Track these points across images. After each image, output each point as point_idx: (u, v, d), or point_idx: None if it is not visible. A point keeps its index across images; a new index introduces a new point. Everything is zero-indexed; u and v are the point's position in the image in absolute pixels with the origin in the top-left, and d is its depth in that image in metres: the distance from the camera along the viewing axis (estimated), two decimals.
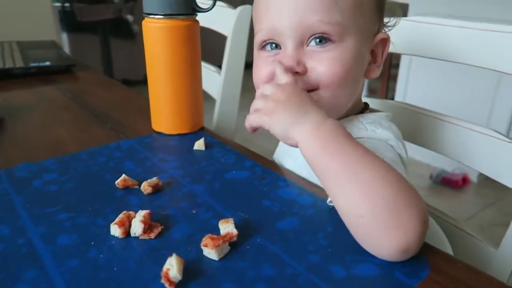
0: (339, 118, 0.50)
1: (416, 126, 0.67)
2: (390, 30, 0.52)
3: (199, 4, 0.58)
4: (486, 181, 1.93)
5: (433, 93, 1.99)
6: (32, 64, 0.97)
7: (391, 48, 0.64)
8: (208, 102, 0.96)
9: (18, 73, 0.95)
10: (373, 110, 0.53)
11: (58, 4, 2.63)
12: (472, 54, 0.59)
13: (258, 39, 0.48)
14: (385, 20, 0.52)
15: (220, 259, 0.34)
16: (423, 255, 0.35)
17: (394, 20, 0.53)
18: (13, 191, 0.45)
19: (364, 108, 0.53)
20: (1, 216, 0.41)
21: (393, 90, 2.27)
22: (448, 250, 0.57)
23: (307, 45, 0.45)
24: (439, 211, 0.65)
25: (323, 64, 0.44)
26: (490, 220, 1.71)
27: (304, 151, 0.39)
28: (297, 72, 0.44)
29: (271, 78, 0.46)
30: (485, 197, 1.86)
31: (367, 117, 0.50)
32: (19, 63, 0.98)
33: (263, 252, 0.35)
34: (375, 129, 0.47)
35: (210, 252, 0.34)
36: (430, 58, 0.65)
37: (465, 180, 1.92)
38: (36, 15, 2.15)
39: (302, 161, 0.52)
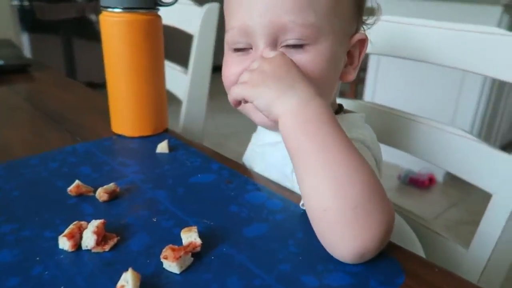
0: None
1: (387, 126, 0.67)
2: (369, 28, 0.50)
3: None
4: (452, 181, 1.98)
5: (400, 94, 2.03)
6: None
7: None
8: (175, 105, 0.92)
9: None
10: (347, 112, 0.52)
11: (16, 3, 2.50)
12: (443, 54, 0.58)
13: (228, 37, 0.45)
14: (364, 17, 0.49)
15: (182, 272, 0.31)
16: (398, 261, 0.33)
17: (374, 18, 0.50)
18: None
19: (339, 110, 0.51)
20: None
21: (361, 93, 2.30)
22: (420, 251, 0.56)
23: (280, 47, 0.42)
24: (409, 211, 0.65)
25: None
26: (455, 219, 1.76)
27: (282, 126, 0.36)
28: None
29: None
30: (451, 197, 1.91)
31: (342, 118, 0.48)
32: None
33: (229, 263, 0.33)
34: (350, 128, 0.45)
35: (171, 265, 0.31)
36: (399, 57, 0.64)
37: (431, 180, 1.96)
38: None
39: (273, 162, 0.49)
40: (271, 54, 0.40)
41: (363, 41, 0.47)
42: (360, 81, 2.53)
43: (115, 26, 0.53)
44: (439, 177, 2.00)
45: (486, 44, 0.53)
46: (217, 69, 0.88)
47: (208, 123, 0.94)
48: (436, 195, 1.95)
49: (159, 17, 0.55)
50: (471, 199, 1.87)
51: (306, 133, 0.35)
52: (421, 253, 0.55)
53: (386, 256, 0.34)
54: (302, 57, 0.41)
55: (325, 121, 0.35)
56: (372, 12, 0.52)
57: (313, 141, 0.34)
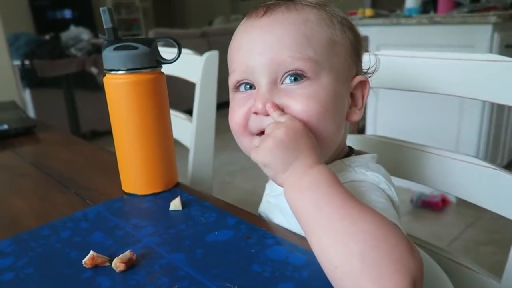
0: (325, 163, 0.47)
1: (393, 158, 0.66)
2: (370, 77, 0.51)
3: (163, 55, 0.55)
4: (465, 201, 1.94)
5: (401, 124, 2.03)
6: None
7: None
8: (181, 149, 0.92)
9: None
10: (358, 153, 0.51)
11: (18, 63, 2.57)
12: (440, 83, 0.59)
13: (231, 80, 0.46)
14: (365, 67, 0.51)
15: None
16: None
17: (374, 67, 0.51)
18: None
19: (349, 152, 0.51)
20: None
21: (363, 119, 2.30)
22: None
23: (282, 83, 0.43)
24: (435, 246, 0.62)
25: (298, 101, 0.42)
26: (474, 239, 1.70)
27: (285, 195, 0.39)
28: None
29: (246, 119, 0.45)
30: (466, 217, 1.86)
31: (354, 161, 0.47)
32: None
33: None
34: (364, 171, 0.45)
35: None
36: (396, 89, 0.64)
37: (444, 201, 1.93)
38: None
39: (291, 212, 0.48)
40: (282, 119, 0.41)
41: (364, 83, 0.47)
42: None
43: (120, 88, 0.53)
44: (452, 197, 1.96)
45: (482, 70, 0.53)
46: (220, 106, 0.88)
47: (214, 163, 0.93)
48: (451, 216, 1.90)
49: (162, 74, 0.56)
50: (487, 217, 1.82)
51: (302, 199, 0.37)
52: None
53: None
54: (304, 91, 0.42)
55: (323, 187, 0.36)
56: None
57: (310, 205, 0.36)
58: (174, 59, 0.55)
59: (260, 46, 0.43)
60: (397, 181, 0.57)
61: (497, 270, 0.58)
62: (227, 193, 2.14)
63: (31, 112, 2.78)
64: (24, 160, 0.78)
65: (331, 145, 0.46)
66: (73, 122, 2.82)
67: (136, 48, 0.52)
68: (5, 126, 0.92)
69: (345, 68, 0.45)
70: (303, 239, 0.44)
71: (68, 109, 2.78)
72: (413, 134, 1.89)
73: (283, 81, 0.43)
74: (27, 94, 2.81)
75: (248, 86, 0.45)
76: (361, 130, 2.57)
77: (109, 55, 0.53)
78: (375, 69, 0.51)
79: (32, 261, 0.42)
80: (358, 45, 0.47)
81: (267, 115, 0.42)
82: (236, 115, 0.45)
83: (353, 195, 0.35)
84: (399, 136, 0.66)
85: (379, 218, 0.33)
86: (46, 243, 0.46)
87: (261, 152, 0.40)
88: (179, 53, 0.55)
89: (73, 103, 2.80)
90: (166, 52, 0.59)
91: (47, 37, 2.80)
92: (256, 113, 0.43)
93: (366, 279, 0.30)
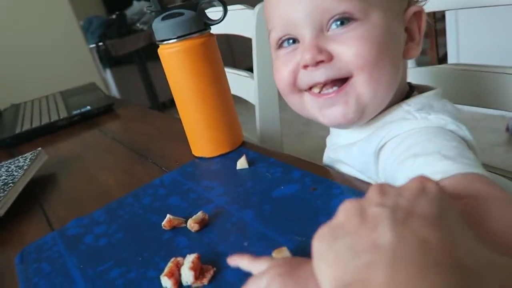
0: (382, 110, 0.43)
1: (481, 87, 0.59)
2: (424, 4, 0.45)
3: (210, 16, 0.55)
4: None
5: (489, 44, 1.79)
6: (75, 112, 1.00)
7: (434, 6, 0.56)
8: (249, 108, 0.92)
9: (63, 124, 0.98)
10: (420, 89, 0.46)
11: (93, 46, 2.75)
12: None
13: (273, 38, 0.44)
14: None
15: None
16: None
17: None
18: (66, 253, 0.45)
19: (410, 92, 0.46)
20: (56, 283, 0.40)
21: (443, 46, 2.08)
22: None
23: (328, 30, 0.40)
24: None
25: (350, 45, 0.39)
26: None
27: None
28: (322, 61, 0.39)
29: (294, 76, 0.42)
30: None
31: (413, 102, 0.42)
32: (63, 113, 1.02)
33: None
34: (426, 115, 0.39)
35: None
36: (481, 6, 0.56)
37: None
38: (76, 60, 2.25)
39: (349, 166, 0.46)
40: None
41: (419, 14, 0.42)
42: (439, 33, 2.30)
43: (173, 56, 0.54)
44: None
45: None
46: None
47: (287, 114, 0.92)
48: None
49: (212, 36, 0.55)
50: None
51: None
52: None
53: None
54: (354, 33, 0.38)
55: None
56: None
57: None
58: (221, 19, 0.54)
59: None
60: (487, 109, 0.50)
61: None
62: (304, 142, 2.13)
63: (114, 90, 3.00)
64: (107, 136, 0.85)
65: (390, 89, 0.42)
66: (151, 94, 2.99)
67: (182, 14, 0.52)
68: (88, 108, 1.01)
69: (396, 1, 0.40)
70: (369, 185, 0.42)
71: (144, 81, 2.95)
72: (503, 58, 1.66)
73: (329, 27, 0.39)
74: (108, 74, 3.03)
75: (291, 41, 0.42)
76: (442, 59, 2.33)
77: (158, 26, 0.53)
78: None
79: (121, 227, 0.47)
80: None
81: (318, 62, 0.39)
82: (283, 73, 0.43)
83: None
84: (488, 61, 0.58)
85: None
86: (130, 210, 0.50)
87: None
88: (225, 11, 0.54)
89: (147, 75, 2.95)
90: (215, 12, 0.58)
91: (113, 16, 2.94)
92: (306, 66, 0.40)
93: None
